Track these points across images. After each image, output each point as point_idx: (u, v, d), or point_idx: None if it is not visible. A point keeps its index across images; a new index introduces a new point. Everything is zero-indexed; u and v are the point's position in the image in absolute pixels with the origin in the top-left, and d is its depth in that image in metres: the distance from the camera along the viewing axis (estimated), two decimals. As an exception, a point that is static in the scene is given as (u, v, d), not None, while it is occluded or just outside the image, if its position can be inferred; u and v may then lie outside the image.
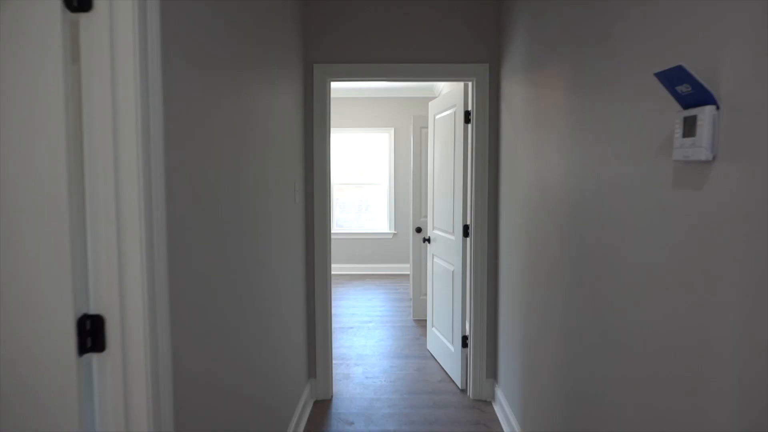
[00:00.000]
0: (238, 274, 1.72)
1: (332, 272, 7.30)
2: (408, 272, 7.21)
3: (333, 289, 6.36)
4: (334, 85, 6.50)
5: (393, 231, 7.38)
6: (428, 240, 3.97)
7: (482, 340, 3.18)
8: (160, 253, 1.14)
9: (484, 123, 3.08)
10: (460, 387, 3.35)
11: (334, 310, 5.36)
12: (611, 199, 1.48)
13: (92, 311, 1.08)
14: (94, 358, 1.09)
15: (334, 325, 4.81)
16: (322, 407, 3.11)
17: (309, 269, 3.17)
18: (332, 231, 7.34)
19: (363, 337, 4.48)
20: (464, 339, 3.33)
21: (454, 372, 3.45)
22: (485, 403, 3.15)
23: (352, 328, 4.74)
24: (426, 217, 4.91)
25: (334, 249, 7.39)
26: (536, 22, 2.29)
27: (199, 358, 1.38)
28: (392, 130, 7.25)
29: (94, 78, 1.04)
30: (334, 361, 3.85)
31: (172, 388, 1.20)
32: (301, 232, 2.97)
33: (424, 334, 4.50)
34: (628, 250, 1.37)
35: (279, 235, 2.34)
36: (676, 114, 1.08)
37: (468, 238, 3.26)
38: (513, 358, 2.72)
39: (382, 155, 7.37)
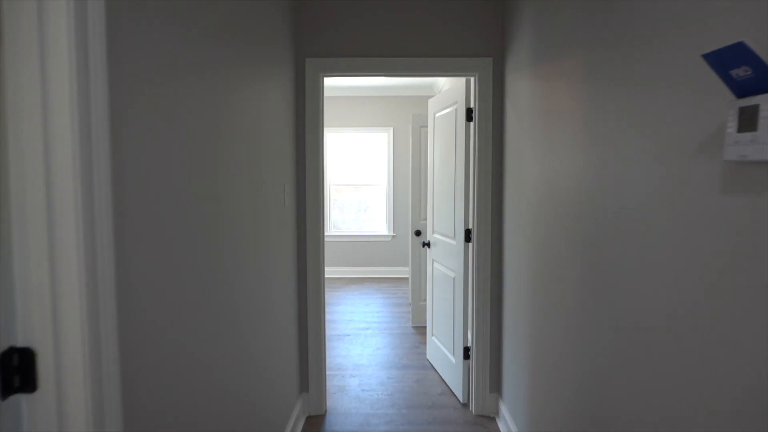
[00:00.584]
0: (215, 286, 1.53)
1: (329, 275, 7.13)
2: (407, 275, 7.02)
3: (330, 294, 6.17)
4: (329, 83, 6.32)
5: (392, 233, 7.19)
6: (428, 244, 3.78)
7: (485, 352, 3.00)
8: (106, 271, 0.95)
9: (487, 121, 2.89)
10: (461, 401, 3.16)
11: (330, 316, 5.17)
12: (636, 204, 1.30)
13: (20, 344, 0.89)
14: (23, 399, 0.90)
15: (330, 333, 4.62)
16: (315, 423, 2.92)
17: (301, 276, 2.98)
18: (330, 233, 7.18)
19: (360, 345, 4.29)
20: (466, 350, 3.14)
21: (456, 385, 3.26)
22: (489, 419, 2.96)
23: (348, 335, 4.56)
24: (425, 219, 4.72)
25: (332, 251, 7.21)
26: (544, 10, 2.10)
27: (162, 386, 1.19)
28: (391, 130, 7.06)
29: (20, 63, 0.85)
30: (328, 372, 3.66)
31: (122, 430, 1.01)
32: (291, 237, 2.78)
33: (424, 342, 4.31)
34: (659, 265, 1.18)
35: (265, 241, 2.16)
36: (728, 104, 0.89)
37: (470, 243, 3.07)
38: (519, 372, 2.53)
39: (381, 155, 7.19)
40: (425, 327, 4.73)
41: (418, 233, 4.74)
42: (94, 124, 0.92)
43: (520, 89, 2.50)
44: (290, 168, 2.75)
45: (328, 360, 3.90)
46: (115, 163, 1.00)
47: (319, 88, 2.90)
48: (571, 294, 1.79)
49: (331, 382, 3.48)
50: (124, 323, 1.04)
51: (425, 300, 4.74)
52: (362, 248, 7.21)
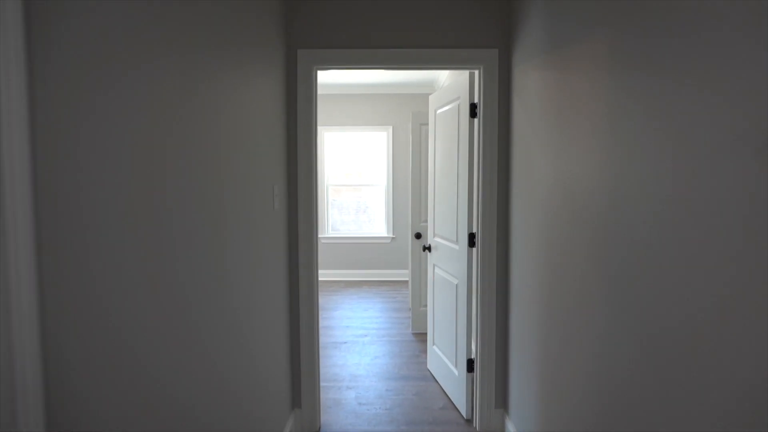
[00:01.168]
0: (190, 301, 1.33)
1: (327, 278, 6.93)
2: (407, 278, 6.81)
3: (327, 298, 5.97)
4: (325, 79, 6.12)
5: (391, 235, 7.00)
6: (428, 248, 3.58)
7: (490, 365, 2.79)
8: (24, 302, 0.75)
9: (493, 117, 2.69)
10: (465, 416, 2.96)
11: (327, 322, 4.98)
12: (676, 216, 1.09)
13: None
14: None
15: (326, 340, 4.42)
16: (308, 442, 2.72)
17: (293, 282, 2.78)
18: (328, 235, 6.97)
19: (357, 353, 4.09)
20: (470, 362, 2.94)
21: (458, 398, 3.06)
22: (494, 437, 2.77)
23: (345, 342, 4.35)
24: (426, 221, 4.52)
25: (330, 254, 7.00)
26: (559, -7, 1.90)
27: (117, 406, 0.99)
28: (390, 129, 6.86)
29: None
30: (324, 384, 3.46)
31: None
32: (282, 241, 2.58)
33: (424, 351, 4.11)
34: (708, 277, 0.98)
35: (251, 247, 1.96)
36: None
37: (474, 249, 2.87)
38: (527, 387, 2.33)
39: (380, 155, 6.99)
40: (425, 334, 4.53)
41: (418, 236, 4.54)
42: (5, 124, 0.72)
43: (529, 82, 2.30)
44: (281, 168, 2.55)
45: (323, 370, 3.70)
46: (37, 165, 0.80)
47: (312, 81, 2.70)
48: (594, 310, 1.59)
49: (326, 395, 3.28)
50: (60, 354, 0.84)
51: (425, 306, 4.54)
52: (361, 250, 7.02)
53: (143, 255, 1.11)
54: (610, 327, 1.46)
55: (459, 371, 3.05)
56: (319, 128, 6.85)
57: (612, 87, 1.45)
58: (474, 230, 2.85)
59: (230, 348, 1.69)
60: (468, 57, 2.66)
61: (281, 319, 2.54)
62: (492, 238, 2.74)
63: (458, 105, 2.99)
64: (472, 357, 2.96)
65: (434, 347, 3.54)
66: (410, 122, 4.61)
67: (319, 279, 6.91)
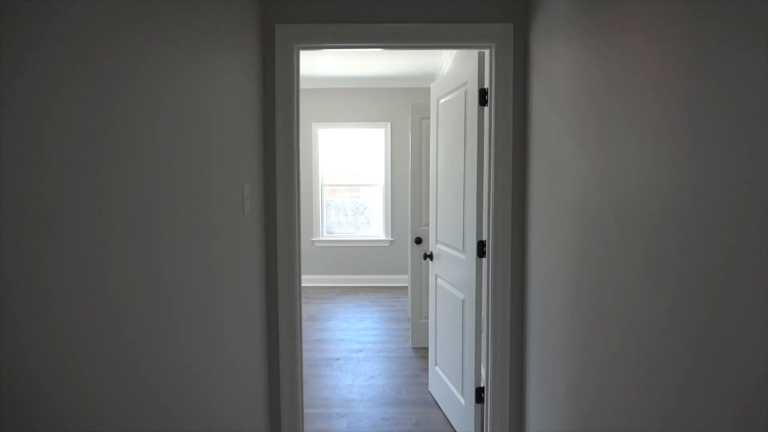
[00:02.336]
0: (133, 329, 0.92)
1: (321, 284, 6.51)
2: (406, 284, 6.40)
3: (321, 306, 5.56)
4: (318, 72, 5.70)
5: (390, 238, 6.58)
6: (430, 256, 3.17)
7: (504, 397, 2.38)
8: None
9: (507, 104, 2.27)
10: (473, 454, 2.55)
11: (320, 334, 4.56)
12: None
13: None
14: None
15: (318, 356, 4.01)
16: (289, 488, 2.31)
17: (270, 299, 2.37)
18: (322, 238, 6.55)
19: (351, 372, 3.67)
20: (479, 392, 2.52)
21: (465, 431, 2.65)
22: (508, 482, 2.35)
23: (338, 359, 3.94)
24: (427, 225, 4.10)
25: (324, 258, 6.59)
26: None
27: None
28: (388, 125, 6.45)
29: None
30: (312, 410, 3.04)
31: None
32: (256, 250, 2.17)
33: (425, 369, 3.69)
34: None
35: (206, 258, 1.55)
36: None
37: (484, 259, 2.46)
38: (551, 422, 1.92)
39: (378, 153, 6.57)
40: (426, 348, 4.11)
41: (418, 241, 4.12)
42: None
43: (553, 57, 1.89)
44: (254, 165, 2.13)
45: (312, 393, 3.29)
46: None
47: (293, 62, 2.28)
48: (652, 337, 1.17)
49: (314, 426, 2.87)
50: None
51: (426, 318, 4.12)
52: (358, 254, 6.60)
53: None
54: (687, 367, 1.05)
55: (466, 400, 2.63)
56: (313, 125, 6.44)
57: (688, 56, 1.04)
58: (484, 238, 2.44)
59: (215, 380, 1.27)
60: (477, 33, 2.25)
61: (254, 346, 2.13)
62: (506, 247, 2.32)
63: (465, 92, 2.57)
64: (482, 385, 2.54)
65: (437, 368, 3.13)
66: (409, 116, 4.19)
67: (313, 285, 6.51)
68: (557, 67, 1.84)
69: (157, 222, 1.20)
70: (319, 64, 5.36)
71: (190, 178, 1.41)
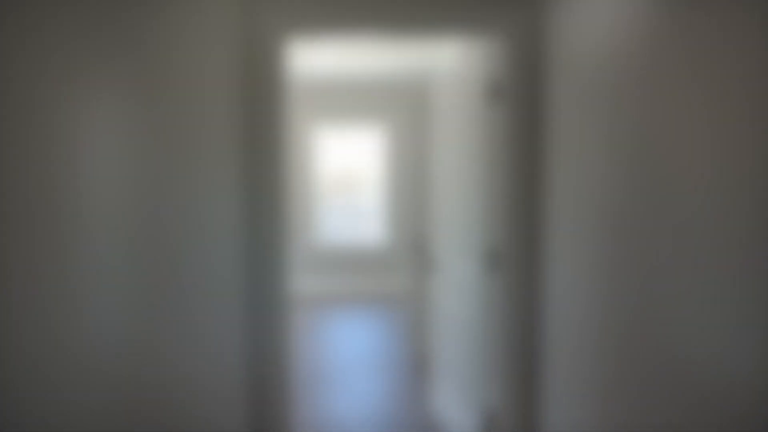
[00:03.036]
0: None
1: (316, 289, 6.21)
2: (406, 290, 6.09)
3: (316, 315, 5.25)
4: (315, 69, 5.39)
5: (389, 242, 6.29)
6: (432, 266, 2.87)
7: (514, 423, 2.07)
8: None
9: (524, 95, 1.97)
10: (482, 493, 2.24)
11: (313, 348, 4.25)
12: None
13: None
14: None
15: (308, 372, 3.70)
16: None
17: (248, 325, 2.06)
18: (317, 242, 6.25)
19: (346, 391, 3.36)
20: (490, 423, 2.21)
21: (473, 465, 2.34)
22: None
23: (332, 377, 3.63)
24: (428, 231, 3.80)
25: (320, 263, 6.30)
26: None
27: None
28: (387, 124, 6.17)
29: None
30: (301, 438, 2.73)
31: None
32: (228, 269, 1.86)
33: (428, 387, 3.39)
34: None
35: (168, 282, 1.25)
36: None
37: (496, 272, 2.16)
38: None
39: (375, 153, 6.29)
40: (428, 364, 3.80)
41: (419, 248, 3.82)
42: None
43: (580, 37, 1.59)
44: (228, 165, 1.83)
45: (297, 419, 2.98)
46: None
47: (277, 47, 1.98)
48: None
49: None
50: None
51: (428, 331, 3.82)
52: (355, 259, 6.31)
53: None
54: None
55: (472, 424, 2.32)
56: (309, 123, 6.15)
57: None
58: (496, 247, 2.14)
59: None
60: (485, 14, 1.95)
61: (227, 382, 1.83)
62: (523, 258, 2.02)
63: (474, 81, 2.27)
64: (493, 415, 2.23)
65: (440, 391, 2.82)
66: (410, 113, 3.89)
67: (308, 291, 6.21)
68: (585, 45, 1.55)
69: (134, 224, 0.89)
70: (317, 61, 5.07)
71: (157, 176, 1.11)
